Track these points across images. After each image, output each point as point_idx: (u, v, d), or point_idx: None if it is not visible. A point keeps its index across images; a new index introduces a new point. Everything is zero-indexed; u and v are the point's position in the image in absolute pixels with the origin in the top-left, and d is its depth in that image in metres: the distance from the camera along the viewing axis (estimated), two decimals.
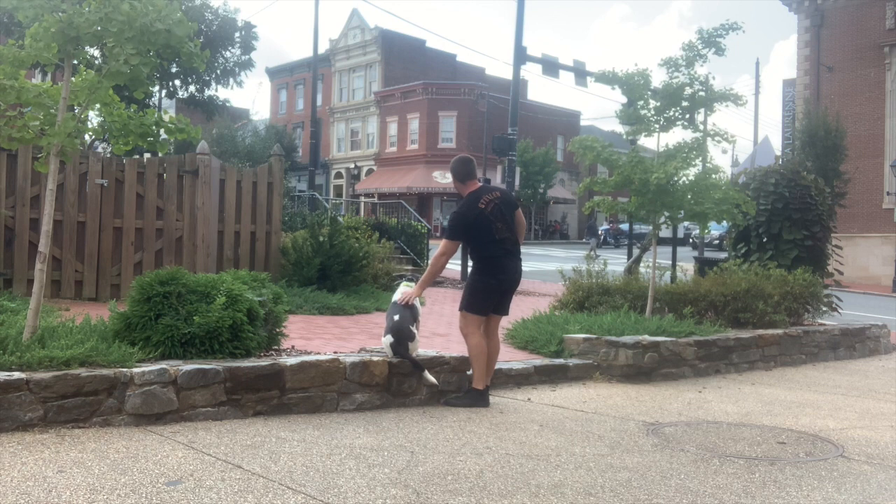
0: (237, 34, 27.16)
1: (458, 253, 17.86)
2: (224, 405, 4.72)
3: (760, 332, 8.54)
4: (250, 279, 5.74)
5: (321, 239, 11.25)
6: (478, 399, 5.62)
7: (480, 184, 5.95)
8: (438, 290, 14.87)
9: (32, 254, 7.96)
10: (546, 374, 6.75)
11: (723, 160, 66.28)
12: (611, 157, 8.48)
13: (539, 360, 7.02)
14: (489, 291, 5.72)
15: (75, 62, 5.18)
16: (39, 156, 5.84)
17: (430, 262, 5.65)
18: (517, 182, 22.55)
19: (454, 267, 18.62)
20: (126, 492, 3.36)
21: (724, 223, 10.01)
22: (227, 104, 29.84)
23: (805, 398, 6.69)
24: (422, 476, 3.82)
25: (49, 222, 5.02)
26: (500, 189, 6.07)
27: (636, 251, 16.43)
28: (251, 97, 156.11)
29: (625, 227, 40.86)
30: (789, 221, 11.16)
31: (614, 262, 14.67)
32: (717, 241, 32.49)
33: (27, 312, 5.03)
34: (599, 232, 43.75)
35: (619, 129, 13.06)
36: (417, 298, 5.71)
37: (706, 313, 9.08)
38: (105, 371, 4.41)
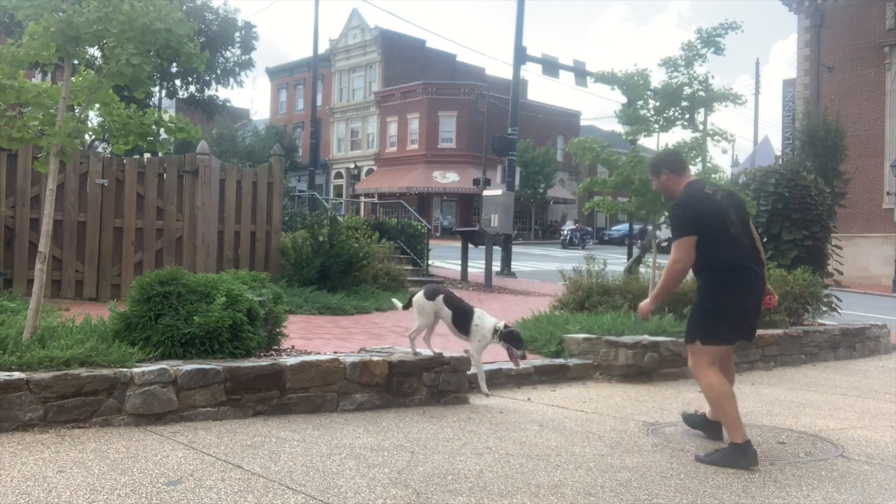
0: (237, 34, 27.20)
1: (459, 248, 17.93)
2: (224, 405, 4.72)
3: (760, 331, 8.53)
4: (250, 279, 5.74)
5: (321, 239, 11.26)
6: (743, 454, 4.25)
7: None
8: None
9: (32, 254, 7.95)
10: (546, 374, 6.75)
11: (723, 160, 66.24)
12: (610, 158, 8.48)
13: (539, 360, 7.03)
14: (731, 312, 4.47)
15: (75, 62, 5.18)
16: (39, 156, 5.83)
17: (664, 272, 4.64)
18: (517, 182, 22.53)
19: (454, 266, 18.63)
20: (126, 492, 3.36)
21: None
22: (227, 104, 29.89)
23: (805, 398, 6.69)
24: (422, 476, 3.82)
25: (49, 222, 5.02)
26: (723, 188, 4.93)
27: (636, 251, 16.45)
28: (251, 97, 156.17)
29: (626, 226, 40.66)
30: (789, 221, 11.15)
31: (570, 261, 14.65)
32: None
33: (27, 312, 5.02)
34: (565, 231, 43.13)
35: (619, 129, 13.05)
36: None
37: None
38: (105, 371, 4.41)
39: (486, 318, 5.62)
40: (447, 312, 5.62)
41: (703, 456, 4.37)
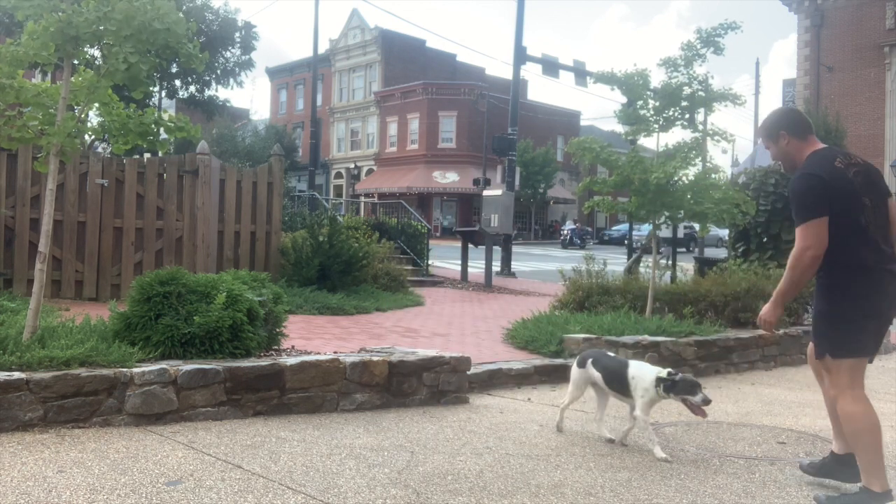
0: (237, 34, 27.22)
1: (459, 248, 17.95)
2: (224, 405, 4.72)
3: (761, 331, 8.53)
4: (250, 279, 5.74)
5: (321, 239, 11.26)
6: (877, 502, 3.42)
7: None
8: (438, 290, 14.88)
9: (32, 254, 7.95)
10: (546, 374, 6.75)
11: (723, 160, 66.35)
12: (610, 158, 8.48)
13: (539, 360, 7.02)
14: (864, 317, 3.58)
15: (75, 62, 5.18)
16: (39, 156, 5.83)
17: (788, 264, 3.66)
18: (517, 182, 22.53)
19: (454, 266, 18.63)
20: (126, 492, 3.36)
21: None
22: (227, 104, 29.91)
23: (805, 398, 6.69)
24: (422, 476, 3.82)
25: (49, 222, 5.02)
26: (860, 158, 3.83)
27: (636, 251, 16.46)
28: (251, 97, 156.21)
29: (626, 226, 40.56)
30: (789, 221, 11.10)
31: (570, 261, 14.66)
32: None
33: (27, 312, 5.03)
34: (565, 231, 42.98)
35: (619, 128, 13.06)
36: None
37: (706, 313, 9.08)
38: (105, 371, 4.41)
39: (644, 367, 4.70)
40: (598, 375, 4.84)
41: (822, 498, 3.59)
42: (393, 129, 53.17)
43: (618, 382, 4.70)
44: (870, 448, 3.47)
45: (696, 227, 9.25)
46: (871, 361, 3.74)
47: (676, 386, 4.44)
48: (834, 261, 3.56)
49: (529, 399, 6.03)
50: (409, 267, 15.85)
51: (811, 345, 3.81)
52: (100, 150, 16.48)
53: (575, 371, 5.04)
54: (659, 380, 4.48)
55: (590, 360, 4.93)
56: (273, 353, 5.60)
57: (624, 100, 9.76)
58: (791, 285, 3.68)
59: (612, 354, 5.14)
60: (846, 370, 3.59)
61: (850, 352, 3.58)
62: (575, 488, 3.77)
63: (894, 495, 3.40)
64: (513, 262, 19.77)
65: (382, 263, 12.94)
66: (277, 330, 5.75)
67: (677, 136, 58.34)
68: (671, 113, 8.61)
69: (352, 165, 56.01)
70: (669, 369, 4.59)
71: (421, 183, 48.72)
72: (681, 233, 30.07)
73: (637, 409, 4.55)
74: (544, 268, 23.14)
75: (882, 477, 3.45)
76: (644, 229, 25.35)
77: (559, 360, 7.06)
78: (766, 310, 3.83)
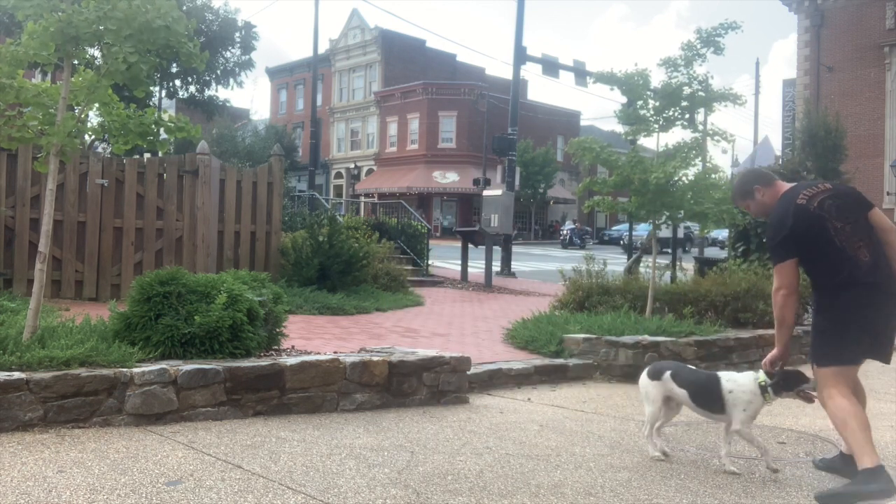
0: (237, 34, 27.21)
1: (459, 248, 17.93)
2: (224, 405, 4.72)
3: (760, 331, 8.53)
4: (250, 279, 5.74)
5: (321, 239, 11.26)
6: (875, 479, 3.60)
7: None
8: (438, 290, 14.88)
9: (32, 254, 7.95)
10: (546, 374, 6.75)
11: (723, 160, 66.32)
12: (610, 158, 8.48)
13: (539, 360, 7.02)
14: (843, 329, 3.91)
15: (75, 62, 5.18)
16: (39, 156, 5.83)
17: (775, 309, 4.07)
18: (517, 182, 22.53)
19: (454, 266, 18.63)
20: (126, 492, 3.36)
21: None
22: (227, 104, 29.89)
23: None
24: (422, 476, 3.82)
25: (49, 222, 5.02)
26: (830, 182, 4.23)
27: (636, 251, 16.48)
28: (251, 97, 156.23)
29: (626, 226, 40.53)
30: None
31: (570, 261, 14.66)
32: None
33: (27, 312, 5.03)
34: (565, 231, 42.91)
35: (619, 128, 13.06)
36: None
37: (706, 313, 9.08)
38: (105, 371, 4.41)
39: (737, 377, 4.24)
40: (681, 392, 4.30)
41: (824, 494, 3.74)
42: (393, 129, 53.18)
43: (709, 400, 4.21)
44: (857, 430, 3.75)
45: (691, 226, 9.26)
46: (887, 362, 4.06)
47: (787, 381, 4.11)
48: (817, 284, 4.02)
49: (529, 399, 6.03)
50: (409, 267, 15.85)
51: None
52: (100, 150, 16.48)
53: (649, 384, 4.40)
54: (764, 385, 4.11)
55: (668, 373, 4.36)
56: (273, 353, 5.60)
57: (624, 100, 9.76)
58: (777, 323, 4.10)
59: (691, 367, 4.64)
60: (830, 376, 3.93)
61: (831, 360, 3.94)
62: (575, 488, 3.77)
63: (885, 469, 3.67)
64: (513, 262, 19.77)
65: (382, 263, 12.94)
66: (277, 330, 5.75)
67: (677, 136, 58.30)
68: (671, 113, 8.60)
69: (352, 165, 56.02)
70: (761, 371, 4.19)
71: (421, 183, 48.72)
72: (680, 233, 30.01)
73: (737, 423, 4.12)
74: (544, 268, 23.14)
75: (871, 452, 3.69)
76: (639, 230, 25.36)
77: (559, 361, 7.06)
78: (773, 355, 4.15)
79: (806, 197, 3.98)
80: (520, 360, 6.98)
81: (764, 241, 11.27)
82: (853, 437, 3.77)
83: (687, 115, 8.69)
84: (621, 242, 35.88)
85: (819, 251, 3.92)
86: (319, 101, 39.94)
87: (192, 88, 27.06)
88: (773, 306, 4.10)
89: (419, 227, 17.83)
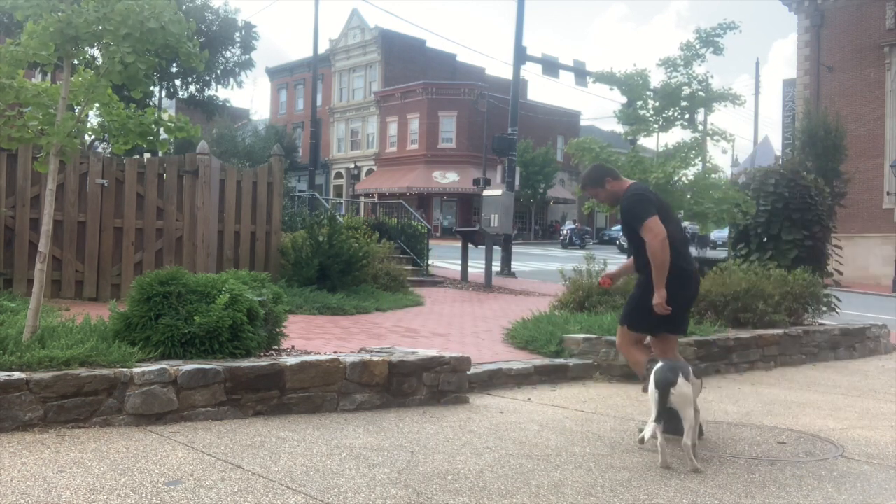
0: (237, 34, 27.21)
1: (459, 248, 17.93)
2: (224, 405, 4.72)
3: (760, 332, 8.54)
4: (250, 279, 5.73)
5: (321, 239, 11.25)
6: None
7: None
8: (438, 290, 14.88)
9: (32, 254, 7.95)
10: (546, 374, 6.75)
11: (723, 160, 66.31)
12: (609, 158, 8.48)
13: (539, 360, 7.02)
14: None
15: (75, 62, 5.18)
16: (39, 156, 5.83)
17: (652, 257, 4.67)
18: (517, 182, 22.53)
19: (454, 266, 18.63)
20: (126, 492, 3.36)
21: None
22: (227, 104, 29.90)
23: (805, 398, 6.69)
24: (422, 476, 3.82)
25: (49, 222, 5.02)
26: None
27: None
28: (251, 97, 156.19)
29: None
30: (789, 221, 11.15)
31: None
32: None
33: (27, 312, 5.02)
34: (565, 231, 42.86)
35: (619, 128, 13.06)
36: None
37: (706, 313, 9.08)
38: (105, 371, 4.41)
39: None
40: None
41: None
42: (393, 129, 53.17)
43: None
44: (640, 367, 4.84)
45: (688, 226, 9.27)
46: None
47: None
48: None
49: (529, 399, 6.03)
50: (409, 267, 15.85)
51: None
52: (100, 150, 16.48)
53: (686, 386, 4.25)
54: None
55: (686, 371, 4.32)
56: (273, 353, 5.60)
57: (624, 100, 9.77)
58: (661, 267, 4.68)
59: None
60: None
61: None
62: (575, 488, 3.77)
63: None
64: (513, 262, 19.77)
65: (382, 263, 12.93)
66: (277, 330, 5.75)
67: (677, 136, 58.29)
68: (671, 113, 8.62)
69: (352, 165, 56.02)
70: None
71: (421, 183, 48.72)
72: None
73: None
74: (544, 268, 23.14)
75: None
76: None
77: (559, 361, 7.06)
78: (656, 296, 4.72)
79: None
80: (520, 360, 6.97)
81: (764, 240, 11.31)
82: (639, 369, 4.89)
83: (687, 115, 8.70)
84: (617, 243, 35.87)
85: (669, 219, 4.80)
86: (319, 101, 39.93)
87: (192, 88, 27.07)
88: (654, 255, 4.62)
89: (419, 227, 17.83)
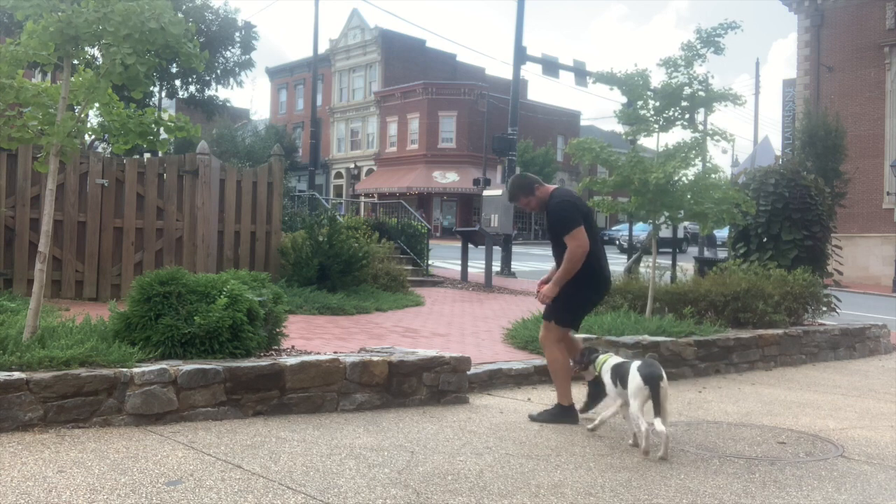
0: (237, 34, 27.17)
1: (459, 248, 17.93)
2: (224, 405, 4.72)
3: (760, 332, 8.54)
4: (250, 279, 5.73)
5: (320, 239, 11.25)
6: (568, 415, 5.22)
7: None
8: (438, 290, 14.88)
9: (32, 254, 7.95)
10: (546, 374, 6.70)
11: (723, 160, 66.19)
12: (609, 158, 8.47)
13: (539, 360, 7.01)
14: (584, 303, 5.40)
15: (75, 62, 5.18)
16: (39, 156, 5.83)
17: (565, 261, 5.13)
18: None
19: (454, 266, 18.63)
20: (126, 492, 3.36)
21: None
22: (227, 104, 29.85)
23: (805, 398, 6.69)
24: (422, 476, 3.82)
25: (49, 222, 5.02)
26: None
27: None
28: (251, 97, 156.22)
29: (626, 226, 40.47)
30: (789, 221, 11.15)
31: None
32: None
33: (27, 312, 5.02)
34: None
35: (619, 128, 13.07)
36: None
37: (706, 313, 9.08)
38: (105, 371, 4.41)
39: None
40: None
41: (535, 415, 5.25)
42: (393, 129, 53.17)
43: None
44: (560, 376, 5.28)
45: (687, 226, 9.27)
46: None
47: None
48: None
49: (529, 399, 6.03)
50: (409, 267, 15.85)
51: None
52: (100, 150, 16.48)
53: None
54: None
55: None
56: (273, 353, 5.60)
57: (624, 100, 9.76)
58: (568, 272, 5.12)
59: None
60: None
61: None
62: (575, 488, 3.77)
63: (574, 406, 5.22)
64: (513, 262, 19.77)
65: (382, 263, 12.93)
66: (277, 330, 5.75)
67: (677, 136, 58.29)
68: (671, 113, 8.60)
69: (352, 165, 56.01)
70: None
71: (421, 183, 48.72)
72: (680, 233, 29.97)
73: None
74: (544, 268, 23.07)
75: (567, 395, 5.25)
76: (636, 230, 25.36)
77: None
78: (548, 287, 5.23)
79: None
80: (520, 360, 6.98)
81: (764, 241, 11.30)
82: (557, 381, 5.31)
83: (687, 115, 8.68)
84: (617, 243, 35.87)
85: (591, 231, 5.18)
86: (319, 101, 39.95)
87: (192, 88, 27.03)
88: (570, 261, 5.05)
89: (419, 227, 17.82)
